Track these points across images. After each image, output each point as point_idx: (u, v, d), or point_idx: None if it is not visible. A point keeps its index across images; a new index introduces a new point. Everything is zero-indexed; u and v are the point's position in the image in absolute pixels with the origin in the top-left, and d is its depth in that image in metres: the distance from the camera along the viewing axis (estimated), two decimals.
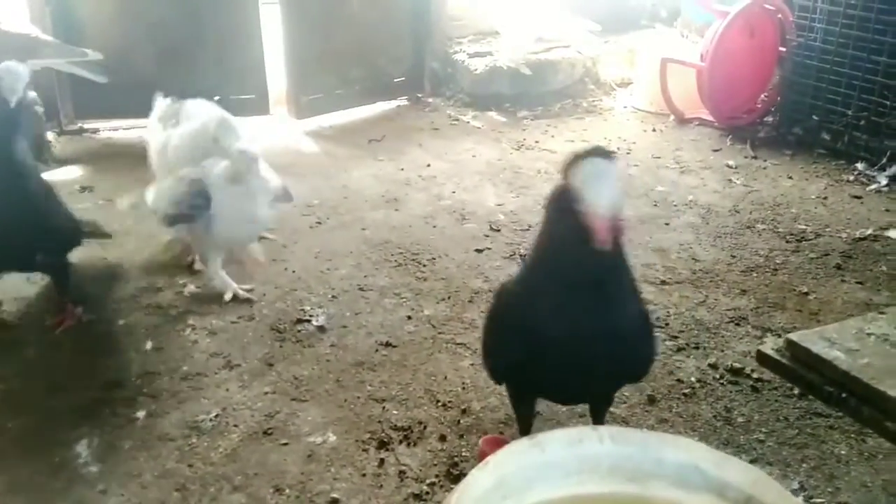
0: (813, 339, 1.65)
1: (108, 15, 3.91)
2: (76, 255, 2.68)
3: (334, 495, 1.73)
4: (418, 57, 4.60)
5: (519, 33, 4.49)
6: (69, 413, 1.98)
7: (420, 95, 4.60)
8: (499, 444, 1.49)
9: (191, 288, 2.55)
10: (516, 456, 1.30)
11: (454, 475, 1.79)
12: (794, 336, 1.67)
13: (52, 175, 3.47)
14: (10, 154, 2.17)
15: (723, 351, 2.26)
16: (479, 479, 1.25)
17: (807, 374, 1.63)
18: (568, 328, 1.44)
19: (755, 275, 2.70)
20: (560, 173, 1.46)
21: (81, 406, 2.00)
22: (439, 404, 2.04)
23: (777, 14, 4.03)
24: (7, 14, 3.48)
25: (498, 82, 4.48)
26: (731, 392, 2.09)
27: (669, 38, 4.95)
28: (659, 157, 3.79)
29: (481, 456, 1.69)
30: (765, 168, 3.69)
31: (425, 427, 1.95)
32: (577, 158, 1.42)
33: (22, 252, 2.26)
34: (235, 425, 1.95)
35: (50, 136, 3.80)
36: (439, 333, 2.35)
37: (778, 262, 2.79)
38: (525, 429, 1.71)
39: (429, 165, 3.65)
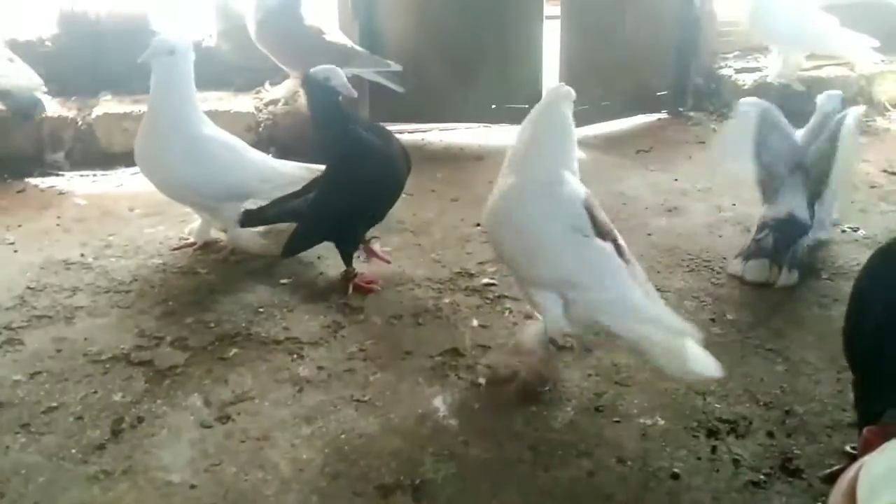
0: None
1: (406, 29, 4.31)
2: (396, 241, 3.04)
3: (676, 471, 1.87)
4: (682, 71, 4.65)
5: (792, 49, 4.42)
6: (421, 373, 2.26)
7: (682, 109, 4.65)
8: (885, 434, 1.55)
9: (503, 277, 2.79)
10: None
11: (790, 469, 1.87)
12: None
13: None
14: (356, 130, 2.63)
15: None
16: (875, 464, 1.33)
17: None
18: None
19: None
20: None
21: (429, 368, 2.28)
22: (760, 403, 2.12)
23: None
24: (329, 26, 3.95)
25: (765, 98, 4.41)
26: None
27: None
28: None
29: (865, 444, 1.74)
30: None
31: (750, 423, 2.04)
32: None
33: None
34: (568, 399, 2.14)
35: None
36: (746, 338, 2.42)
37: None
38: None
39: (702, 177, 3.71)
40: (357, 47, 3.94)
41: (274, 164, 3.00)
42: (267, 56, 3.90)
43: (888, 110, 4.60)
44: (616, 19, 4.35)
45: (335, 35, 3.92)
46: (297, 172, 2.96)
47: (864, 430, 1.59)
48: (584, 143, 4.24)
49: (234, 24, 4.10)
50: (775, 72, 4.44)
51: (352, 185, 2.59)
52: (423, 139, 4.39)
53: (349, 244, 2.73)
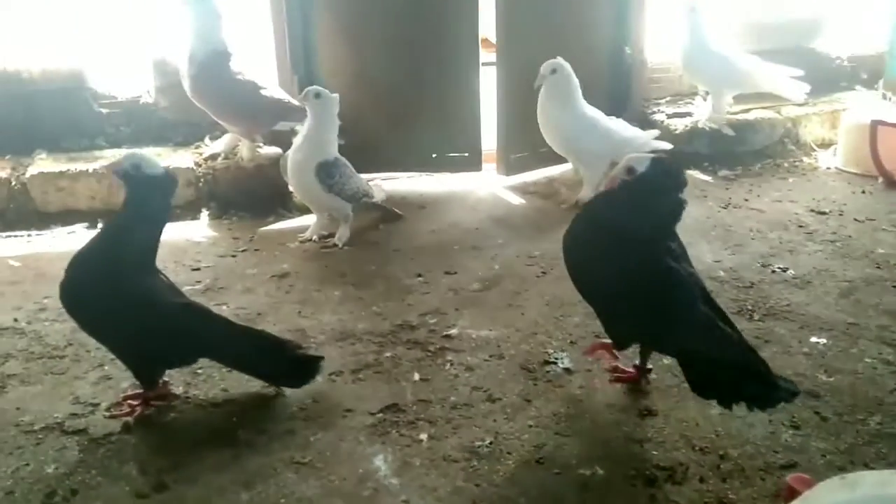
0: None
1: (345, 82, 4.34)
2: (338, 294, 3.03)
3: None
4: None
5: (722, 90, 4.59)
6: (361, 431, 2.25)
7: None
8: (806, 482, 1.60)
9: (445, 328, 2.81)
10: (829, 493, 1.41)
11: None
12: None
13: (292, 222, 3.91)
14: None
15: None
16: None
17: None
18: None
19: None
20: None
21: (370, 426, 2.27)
22: (696, 448, 2.16)
23: None
24: (268, 81, 3.97)
25: (697, 142, 4.60)
26: None
27: (871, 99, 4.91)
28: (874, 220, 3.77)
29: (788, 492, 1.79)
30: None
31: (687, 469, 2.08)
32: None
33: None
34: (509, 452, 2.15)
35: None
36: (682, 382, 2.45)
37: None
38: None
39: None
40: (294, 101, 3.96)
41: None
42: (205, 111, 3.90)
43: (814, 150, 4.79)
44: None
45: (272, 89, 3.94)
46: None
47: (788, 477, 1.65)
48: (521, 190, 4.35)
49: (171, 79, 4.09)
50: (705, 116, 4.59)
51: None
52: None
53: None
